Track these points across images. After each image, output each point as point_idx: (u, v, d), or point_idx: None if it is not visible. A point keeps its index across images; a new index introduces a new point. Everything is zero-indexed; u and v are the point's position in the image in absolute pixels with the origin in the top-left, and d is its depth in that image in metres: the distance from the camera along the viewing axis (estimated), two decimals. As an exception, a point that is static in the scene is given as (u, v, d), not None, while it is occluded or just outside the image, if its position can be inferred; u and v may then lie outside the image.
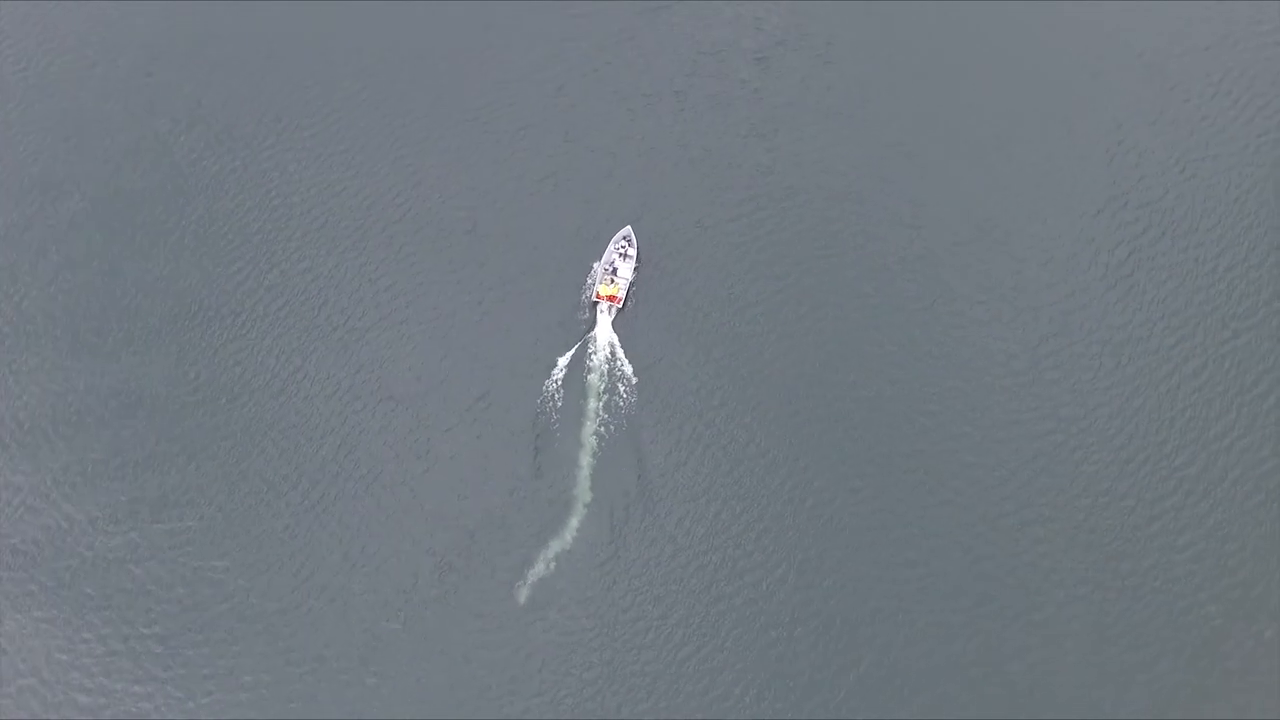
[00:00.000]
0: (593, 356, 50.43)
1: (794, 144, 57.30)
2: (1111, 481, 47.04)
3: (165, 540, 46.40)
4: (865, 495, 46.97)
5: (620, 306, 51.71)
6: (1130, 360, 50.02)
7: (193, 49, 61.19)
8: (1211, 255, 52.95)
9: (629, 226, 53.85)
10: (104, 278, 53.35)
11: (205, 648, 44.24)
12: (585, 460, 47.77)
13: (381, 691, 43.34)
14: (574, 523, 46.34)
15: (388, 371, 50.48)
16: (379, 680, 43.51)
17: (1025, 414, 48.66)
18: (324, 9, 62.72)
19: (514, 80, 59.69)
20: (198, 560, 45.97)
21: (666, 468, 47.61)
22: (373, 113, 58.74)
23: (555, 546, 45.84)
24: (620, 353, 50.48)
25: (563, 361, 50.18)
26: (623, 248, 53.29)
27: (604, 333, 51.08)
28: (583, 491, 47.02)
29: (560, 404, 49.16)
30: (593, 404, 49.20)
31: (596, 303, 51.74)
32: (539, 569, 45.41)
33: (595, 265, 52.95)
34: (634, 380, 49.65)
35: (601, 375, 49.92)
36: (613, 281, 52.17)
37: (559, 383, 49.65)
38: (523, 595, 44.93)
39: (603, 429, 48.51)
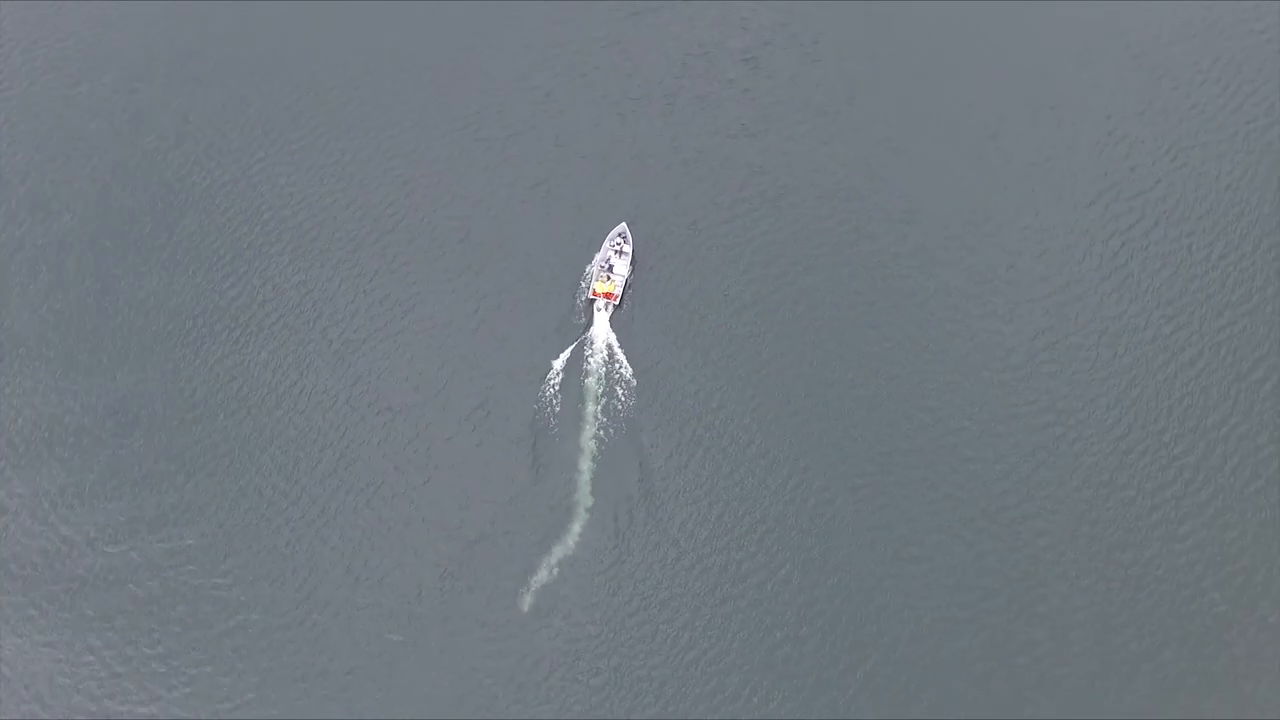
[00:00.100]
0: (590, 358, 50.28)
1: (784, 143, 57.28)
2: (1111, 472, 47.18)
3: (165, 559, 46.17)
4: (867, 493, 47.01)
5: (617, 304, 51.49)
6: (1127, 350, 50.15)
7: (178, 64, 60.83)
8: (1205, 243, 53.11)
9: (624, 223, 53.62)
10: (97, 296, 53.07)
11: (209, 666, 44.03)
12: (586, 465, 47.68)
13: (389, 704, 43.20)
14: (576, 528, 46.25)
15: (385, 382, 50.31)
16: (386, 693, 43.36)
17: (1024, 407, 48.76)
18: (310, 20, 62.41)
19: (502, 87, 59.55)
20: (199, 578, 45.76)
21: (667, 470, 47.56)
22: (362, 123, 58.52)
23: (558, 553, 45.75)
24: (618, 354, 50.35)
25: (560, 364, 50.03)
26: (618, 244, 52.93)
27: (601, 331, 50.83)
28: (584, 497, 46.94)
29: (559, 409, 49.04)
30: (591, 408, 49.09)
31: (593, 300, 51.53)
32: (543, 576, 45.31)
33: (591, 263, 52.79)
34: (632, 383, 49.55)
35: (600, 379, 49.79)
36: (609, 279, 51.90)
37: (557, 388, 49.52)
38: (527, 603, 44.83)
39: (602, 433, 48.42)
